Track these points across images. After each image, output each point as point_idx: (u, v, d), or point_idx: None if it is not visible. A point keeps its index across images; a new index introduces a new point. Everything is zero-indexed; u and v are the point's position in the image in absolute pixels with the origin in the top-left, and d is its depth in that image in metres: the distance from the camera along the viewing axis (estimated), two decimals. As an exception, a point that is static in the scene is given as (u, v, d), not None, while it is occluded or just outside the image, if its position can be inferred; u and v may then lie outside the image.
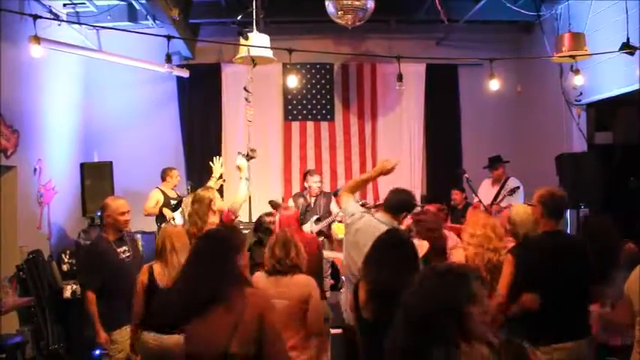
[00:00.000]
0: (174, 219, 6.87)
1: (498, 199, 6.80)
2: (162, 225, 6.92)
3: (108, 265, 4.11)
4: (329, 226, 6.73)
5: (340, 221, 6.62)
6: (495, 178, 7.16)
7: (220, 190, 5.60)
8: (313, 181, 6.73)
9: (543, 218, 3.45)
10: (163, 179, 7.15)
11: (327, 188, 8.52)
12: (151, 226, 7.11)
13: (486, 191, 7.12)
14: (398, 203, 3.98)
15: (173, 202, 6.99)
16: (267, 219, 5.19)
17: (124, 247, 4.26)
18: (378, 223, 3.79)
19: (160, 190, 7.05)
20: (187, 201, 4.90)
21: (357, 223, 3.98)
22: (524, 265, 3.42)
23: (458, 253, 3.99)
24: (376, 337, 2.95)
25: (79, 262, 6.22)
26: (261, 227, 5.20)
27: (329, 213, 6.73)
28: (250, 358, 2.34)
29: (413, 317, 1.89)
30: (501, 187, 6.98)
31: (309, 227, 6.62)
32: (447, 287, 1.86)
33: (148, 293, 3.73)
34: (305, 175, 7.01)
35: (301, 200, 6.69)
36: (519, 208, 3.95)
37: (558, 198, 3.48)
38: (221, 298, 2.38)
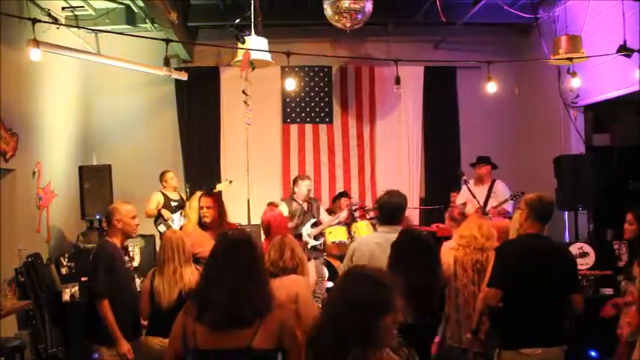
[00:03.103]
0: (172, 220, 6.90)
1: (499, 205, 6.79)
2: (160, 227, 6.95)
3: (119, 272, 3.88)
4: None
5: (338, 224, 6.68)
6: (478, 177, 7.13)
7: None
8: (304, 186, 6.78)
9: (527, 221, 3.46)
10: (161, 183, 7.21)
11: (325, 191, 8.58)
12: (149, 229, 7.11)
13: (467, 191, 7.11)
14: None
15: (174, 203, 7.02)
16: None
17: (127, 257, 4.08)
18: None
19: (162, 192, 7.12)
20: (195, 204, 4.92)
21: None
22: (500, 263, 3.42)
23: (447, 254, 4.00)
24: (418, 339, 2.97)
25: (78, 265, 6.20)
26: None
27: (318, 217, 6.83)
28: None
29: (332, 319, 1.95)
30: (490, 190, 6.98)
31: (307, 231, 6.66)
32: (363, 293, 1.91)
33: (150, 300, 3.76)
34: (295, 180, 7.02)
35: (295, 205, 6.74)
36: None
37: (546, 203, 3.48)
38: (260, 309, 2.40)
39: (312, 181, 7.32)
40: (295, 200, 6.77)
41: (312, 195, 7.08)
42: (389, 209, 3.75)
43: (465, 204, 6.86)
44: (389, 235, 3.58)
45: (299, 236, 6.33)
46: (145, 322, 3.96)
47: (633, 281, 4.07)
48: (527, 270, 3.29)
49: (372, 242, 3.69)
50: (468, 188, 6.93)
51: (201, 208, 4.69)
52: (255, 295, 2.40)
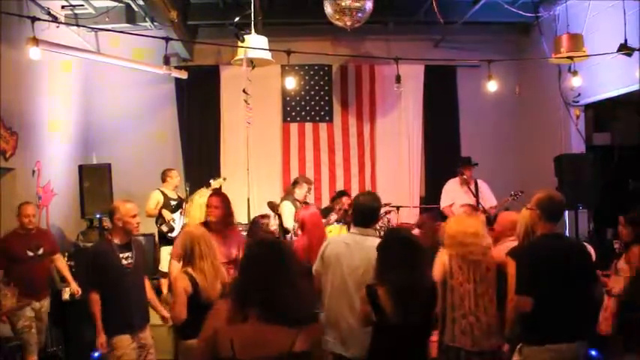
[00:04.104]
0: (173, 220, 6.86)
1: (499, 204, 6.80)
2: (163, 227, 6.92)
3: (107, 269, 4.05)
4: None
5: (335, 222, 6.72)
6: (465, 179, 7.14)
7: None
8: (306, 189, 6.85)
9: (541, 221, 3.45)
10: (163, 180, 7.15)
11: (325, 190, 8.59)
12: (150, 228, 7.10)
13: (455, 191, 7.15)
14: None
15: (173, 202, 6.97)
16: (262, 221, 5.19)
17: (128, 254, 4.14)
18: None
19: (161, 191, 7.05)
20: (200, 201, 4.88)
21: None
22: (526, 269, 3.41)
23: (443, 252, 3.92)
24: (406, 339, 2.97)
25: (78, 264, 6.19)
26: (255, 229, 5.19)
27: None
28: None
29: None
30: (476, 189, 7.01)
31: None
32: None
33: (191, 300, 3.63)
34: (297, 181, 7.00)
35: (298, 205, 6.75)
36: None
37: (557, 201, 3.48)
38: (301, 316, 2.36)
39: (312, 185, 7.35)
40: (297, 200, 6.80)
41: (308, 197, 7.14)
42: (359, 210, 3.74)
43: (452, 205, 6.93)
44: (358, 237, 3.59)
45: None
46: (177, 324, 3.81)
47: (617, 274, 4.12)
48: (553, 271, 3.30)
49: (340, 242, 3.68)
50: (469, 188, 6.93)
51: (208, 206, 4.66)
52: (294, 300, 2.34)
